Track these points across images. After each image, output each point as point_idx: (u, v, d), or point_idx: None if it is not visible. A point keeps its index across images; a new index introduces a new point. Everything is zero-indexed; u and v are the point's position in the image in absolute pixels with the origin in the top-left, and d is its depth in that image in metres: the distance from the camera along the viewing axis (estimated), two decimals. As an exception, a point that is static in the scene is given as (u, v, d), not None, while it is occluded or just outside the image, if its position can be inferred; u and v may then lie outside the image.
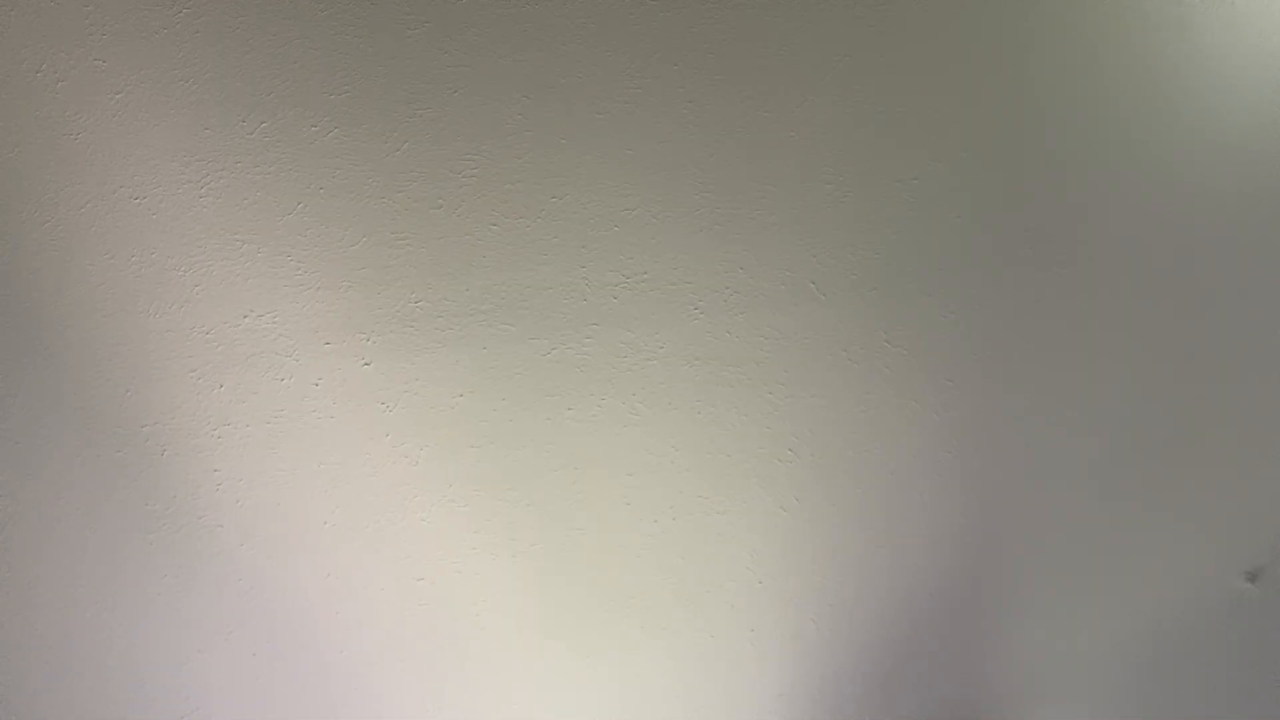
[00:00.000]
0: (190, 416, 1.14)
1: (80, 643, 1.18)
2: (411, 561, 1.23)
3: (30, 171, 1.05)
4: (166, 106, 1.05)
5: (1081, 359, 1.32)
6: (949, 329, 1.27)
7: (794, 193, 1.20)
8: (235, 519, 1.18)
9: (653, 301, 1.20)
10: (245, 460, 1.16)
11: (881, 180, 1.21)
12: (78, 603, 1.17)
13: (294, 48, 1.06)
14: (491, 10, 1.08)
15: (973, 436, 1.32)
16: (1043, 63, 1.22)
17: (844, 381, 1.26)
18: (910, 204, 1.22)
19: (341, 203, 1.11)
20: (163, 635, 1.20)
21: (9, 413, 1.10)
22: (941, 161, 1.22)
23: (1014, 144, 1.23)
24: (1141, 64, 1.24)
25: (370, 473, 1.19)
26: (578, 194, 1.15)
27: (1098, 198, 1.27)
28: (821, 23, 1.15)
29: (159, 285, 1.10)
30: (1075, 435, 1.35)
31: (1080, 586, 1.41)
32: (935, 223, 1.24)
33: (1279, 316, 1.37)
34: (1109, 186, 1.27)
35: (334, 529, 1.20)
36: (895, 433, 1.30)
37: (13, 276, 1.07)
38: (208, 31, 1.04)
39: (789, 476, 1.29)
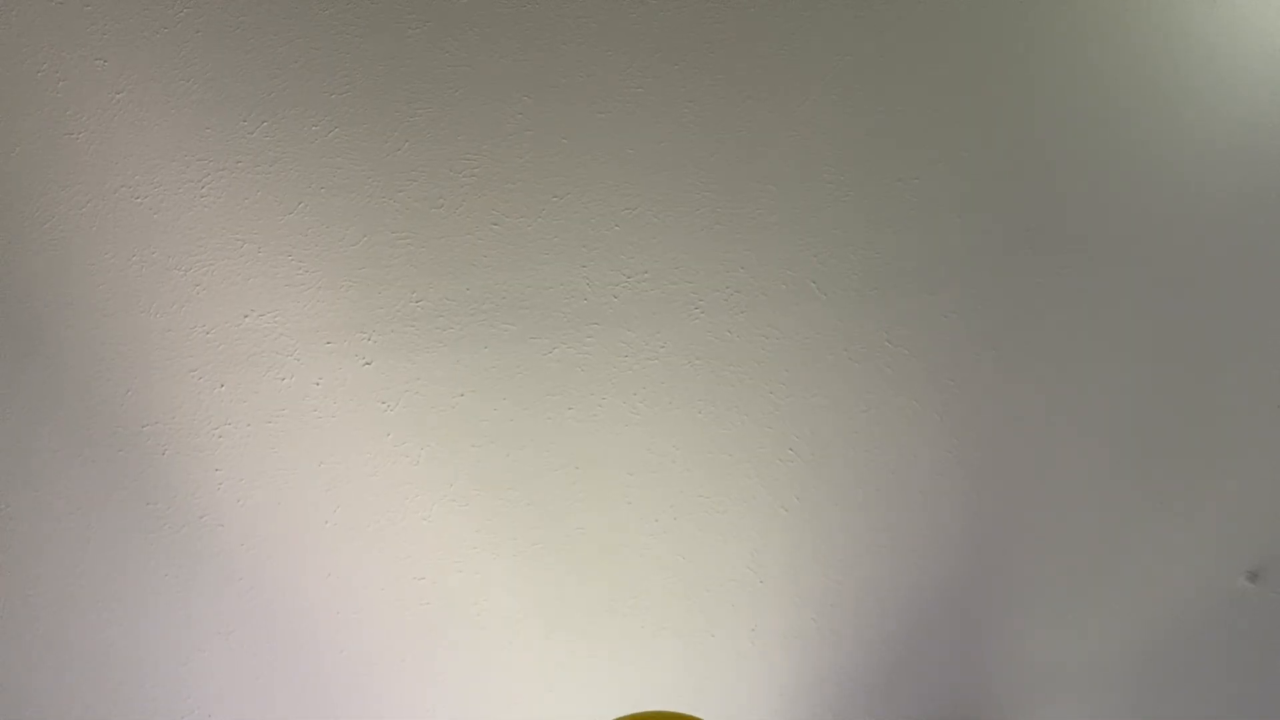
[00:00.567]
0: (191, 416, 1.14)
1: (81, 641, 1.18)
2: (412, 561, 1.23)
3: (30, 171, 1.05)
4: (167, 106, 1.05)
5: (1082, 358, 1.32)
6: (949, 329, 1.27)
7: (795, 192, 1.20)
8: (236, 518, 1.18)
9: (654, 301, 1.20)
10: (246, 459, 1.16)
11: (882, 180, 1.21)
12: (78, 602, 1.17)
13: (295, 48, 1.06)
14: (491, 10, 1.08)
15: (973, 436, 1.32)
16: (1043, 62, 1.22)
17: (845, 381, 1.26)
18: (911, 203, 1.22)
19: (342, 202, 1.11)
20: (163, 634, 1.20)
21: (9, 413, 1.10)
22: (942, 161, 1.22)
23: (1015, 143, 1.23)
24: (1142, 64, 1.24)
25: (371, 472, 1.19)
26: (578, 193, 1.15)
27: (1099, 197, 1.27)
28: (821, 23, 1.15)
29: (160, 285, 1.10)
30: (1076, 434, 1.35)
31: (1081, 586, 1.41)
32: (936, 222, 1.24)
33: (1279, 317, 1.37)
34: (1110, 186, 1.27)
35: (334, 528, 1.20)
36: (895, 433, 1.30)
37: (13, 276, 1.07)
38: (209, 31, 1.04)
39: (790, 476, 1.29)
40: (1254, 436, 1.40)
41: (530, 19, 1.09)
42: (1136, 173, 1.28)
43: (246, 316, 1.12)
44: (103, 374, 1.11)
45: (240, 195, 1.09)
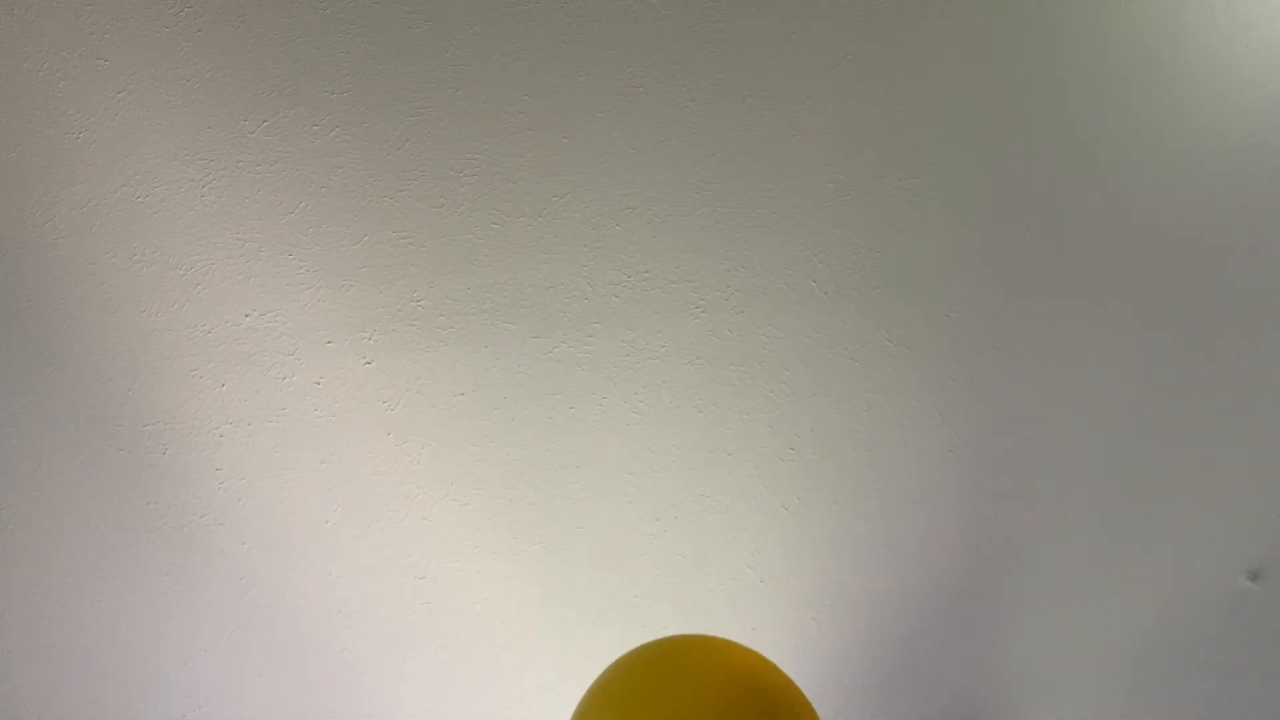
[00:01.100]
0: (192, 415, 1.14)
1: (82, 641, 1.18)
2: (413, 560, 1.23)
3: (31, 171, 1.05)
4: (168, 105, 1.05)
5: (1083, 357, 1.32)
6: (949, 329, 1.27)
7: (795, 192, 1.20)
8: (237, 518, 1.18)
9: (655, 300, 1.20)
10: (247, 459, 1.16)
11: (882, 180, 1.21)
12: (79, 601, 1.17)
13: (295, 47, 1.06)
14: (491, 10, 1.08)
15: (973, 436, 1.32)
16: (1044, 62, 1.22)
17: (846, 381, 1.26)
18: (912, 203, 1.22)
19: (343, 201, 1.11)
20: (164, 634, 1.20)
21: (10, 412, 1.10)
22: (943, 161, 1.22)
23: (1015, 143, 1.23)
24: (1143, 64, 1.24)
25: (372, 471, 1.19)
26: (579, 193, 1.15)
27: (1099, 197, 1.27)
28: (821, 23, 1.15)
29: (160, 284, 1.10)
30: (1076, 434, 1.35)
31: (1081, 586, 1.41)
32: (937, 222, 1.24)
33: None
34: (1111, 186, 1.27)
35: (335, 528, 1.20)
36: (896, 432, 1.30)
37: (13, 276, 1.07)
38: (209, 31, 1.04)
39: (791, 475, 1.29)
40: (1255, 436, 1.40)
41: (530, 19, 1.09)
42: (1138, 173, 1.28)
43: (247, 316, 1.12)
44: (103, 374, 1.11)
45: (240, 195, 1.09)
